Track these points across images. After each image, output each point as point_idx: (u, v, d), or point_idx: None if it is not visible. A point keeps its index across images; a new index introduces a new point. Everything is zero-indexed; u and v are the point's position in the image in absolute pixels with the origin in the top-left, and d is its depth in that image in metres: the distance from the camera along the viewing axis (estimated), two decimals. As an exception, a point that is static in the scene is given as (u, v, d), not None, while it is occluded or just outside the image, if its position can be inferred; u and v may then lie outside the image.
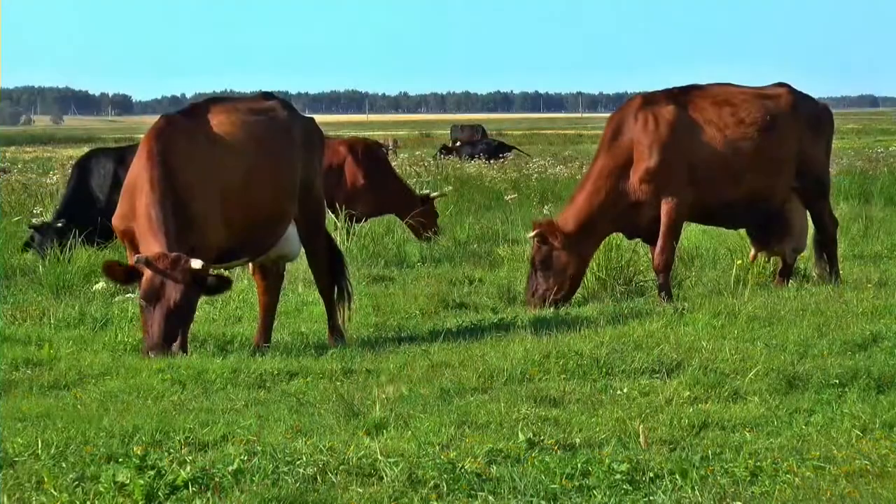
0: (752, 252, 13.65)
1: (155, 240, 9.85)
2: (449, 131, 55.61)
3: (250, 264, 11.21)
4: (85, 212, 16.31)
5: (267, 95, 11.35)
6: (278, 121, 10.91)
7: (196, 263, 9.64)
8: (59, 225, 16.10)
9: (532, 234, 12.82)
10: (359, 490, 6.36)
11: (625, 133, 12.94)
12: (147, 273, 9.69)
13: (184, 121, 10.47)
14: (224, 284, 9.95)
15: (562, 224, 12.77)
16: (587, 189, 12.88)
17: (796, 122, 13.38)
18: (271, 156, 10.70)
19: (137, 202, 9.99)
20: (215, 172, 10.29)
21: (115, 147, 18.81)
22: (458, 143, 45.59)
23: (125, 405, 8.28)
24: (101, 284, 13.58)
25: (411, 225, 18.78)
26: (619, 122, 13.01)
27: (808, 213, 13.59)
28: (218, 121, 10.54)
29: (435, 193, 20.31)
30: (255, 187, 10.54)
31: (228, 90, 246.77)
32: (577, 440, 7.20)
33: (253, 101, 11.07)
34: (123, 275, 9.91)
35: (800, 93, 13.65)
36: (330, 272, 11.30)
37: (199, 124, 10.45)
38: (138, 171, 10.11)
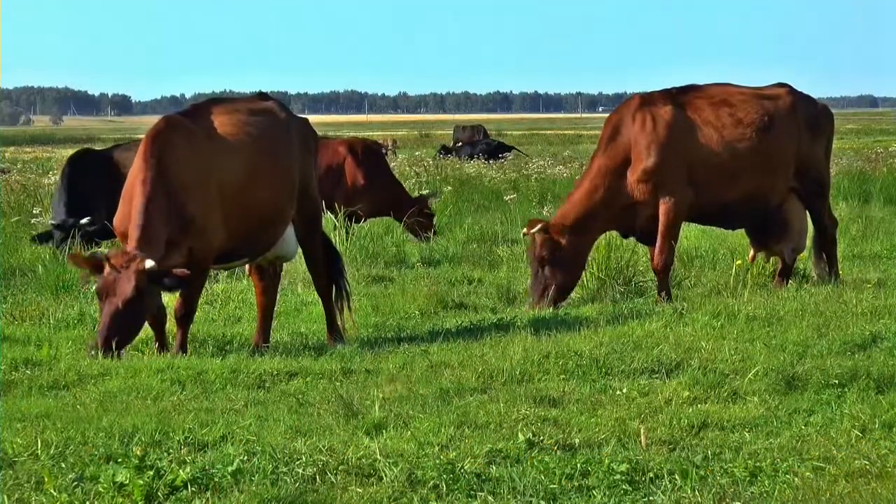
0: (752, 252, 13.66)
1: (131, 243, 9.91)
2: (452, 132, 55.60)
3: (247, 265, 11.22)
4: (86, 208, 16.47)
5: (263, 96, 11.37)
6: (277, 121, 10.93)
7: (149, 263, 9.65)
8: (84, 222, 16.26)
9: (537, 228, 12.76)
10: (358, 490, 6.37)
11: (623, 133, 12.94)
12: (105, 269, 9.75)
13: (184, 121, 10.47)
14: (181, 281, 9.90)
15: (559, 221, 12.78)
16: (584, 187, 12.89)
17: (795, 122, 13.37)
18: (271, 156, 10.72)
19: (132, 204, 10.04)
20: (215, 173, 10.30)
21: (102, 149, 18.98)
22: (458, 144, 45.61)
23: (124, 405, 8.28)
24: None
25: (409, 226, 18.79)
26: (617, 123, 13.02)
27: (807, 214, 13.60)
28: (219, 121, 10.55)
29: (428, 192, 20.29)
30: (256, 188, 10.55)
31: (228, 90, 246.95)
32: (577, 440, 7.20)
33: (251, 102, 11.08)
34: (87, 264, 9.96)
35: (799, 93, 13.65)
36: (328, 272, 11.31)
37: (200, 125, 10.46)
38: (135, 173, 10.13)
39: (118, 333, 9.68)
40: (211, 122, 10.52)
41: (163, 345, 10.28)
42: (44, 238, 16.60)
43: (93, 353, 9.72)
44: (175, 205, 10.01)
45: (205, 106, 10.81)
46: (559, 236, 12.70)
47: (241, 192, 10.43)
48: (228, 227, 10.34)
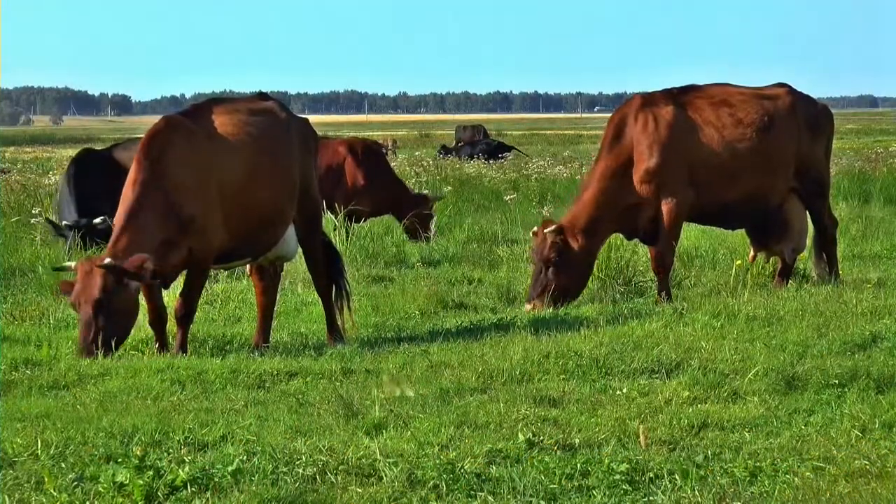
0: (752, 252, 13.67)
1: (111, 243, 9.99)
2: (454, 131, 55.60)
3: (248, 265, 11.23)
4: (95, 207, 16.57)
5: (263, 96, 11.38)
6: (278, 121, 10.94)
7: (105, 261, 9.75)
8: (97, 221, 16.34)
9: (552, 228, 12.67)
10: (358, 490, 6.37)
11: (625, 134, 12.94)
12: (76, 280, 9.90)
13: (184, 122, 10.49)
14: (142, 272, 9.89)
15: (571, 224, 12.71)
16: (592, 190, 12.85)
17: (795, 122, 13.39)
18: (272, 156, 10.73)
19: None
20: (215, 173, 10.32)
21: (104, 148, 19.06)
22: (460, 144, 45.62)
23: (124, 405, 8.28)
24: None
25: (407, 226, 18.77)
26: (620, 123, 13.01)
27: (807, 214, 13.60)
28: (220, 121, 10.56)
29: (428, 192, 20.29)
30: (257, 188, 10.56)
31: (228, 90, 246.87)
32: (577, 440, 7.20)
33: (252, 102, 11.08)
34: (70, 287, 10.07)
35: (799, 93, 13.66)
36: (328, 272, 11.32)
37: (201, 125, 10.48)
38: (130, 173, 10.18)
39: (98, 336, 9.76)
40: (211, 122, 10.54)
41: (163, 345, 10.29)
42: (58, 230, 16.66)
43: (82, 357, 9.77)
44: (172, 205, 10.04)
45: (205, 106, 10.82)
46: (573, 239, 12.64)
47: (242, 192, 10.45)
48: (229, 227, 10.36)
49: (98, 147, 22.03)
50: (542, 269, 12.65)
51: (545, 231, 12.65)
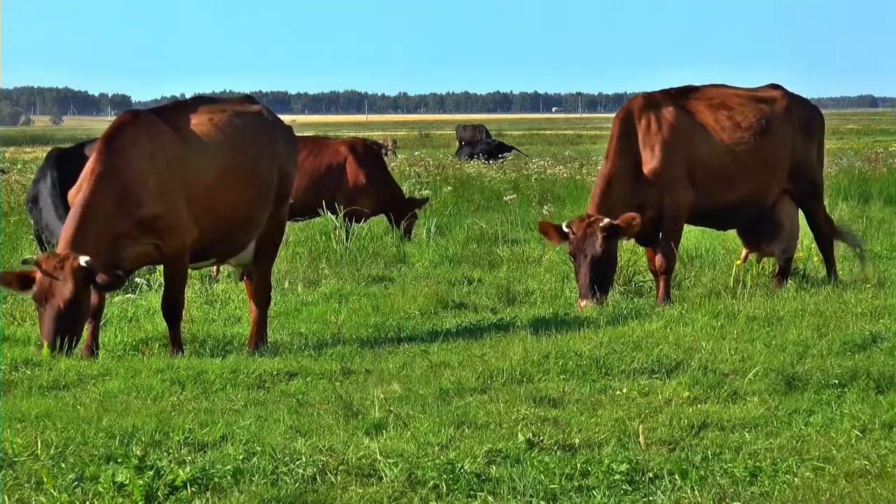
0: (744, 252, 13.71)
1: (62, 236, 9.93)
2: (455, 131, 55.55)
3: (215, 267, 11.13)
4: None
5: (250, 99, 11.28)
6: (263, 125, 10.84)
7: (83, 260, 9.69)
8: None
9: (605, 223, 12.32)
10: (358, 490, 6.37)
11: (630, 134, 12.91)
12: (38, 275, 9.79)
13: (152, 118, 10.35)
14: (118, 281, 9.91)
15: (601, 215, 12.57)
16: (611, 192, 12.73)
17: (790, 124, 13.45)
18: (251, 159, 10.61)
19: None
20: (183, 171, 10.21)
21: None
22: (461, 143, 45.67)
23: (125, 405, 8.28)
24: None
25: (406, 226, 18.77)
26: (625, 124, 12.98)
27: (799, 214, 13.64)
28: (198, 121, 10.45)
29: (420, 198, 20.31)
30: (230, 189, 10.46)
31: (228, 90, 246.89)
32: (577, 440, 7.20)
33: (238, 104, 10.96)
34: (18, 283, 9.97)
35: (793, 95, 13.73)
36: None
37: (173, 123, 10.34)
38: (89, 163, 10.12)
39: (64, 334, 9.76)
40: (187, 120, 10.41)
41: (94, 346, 10.28)
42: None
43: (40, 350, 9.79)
44: (129, 200, 9.97)
45: (187, 104, 10.74)
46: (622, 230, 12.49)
47: (212, 192, 10.33)
48: (199, 226, 10.26)
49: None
50: (593, 264, 12.42)
51: (600, 225, 12.42)
